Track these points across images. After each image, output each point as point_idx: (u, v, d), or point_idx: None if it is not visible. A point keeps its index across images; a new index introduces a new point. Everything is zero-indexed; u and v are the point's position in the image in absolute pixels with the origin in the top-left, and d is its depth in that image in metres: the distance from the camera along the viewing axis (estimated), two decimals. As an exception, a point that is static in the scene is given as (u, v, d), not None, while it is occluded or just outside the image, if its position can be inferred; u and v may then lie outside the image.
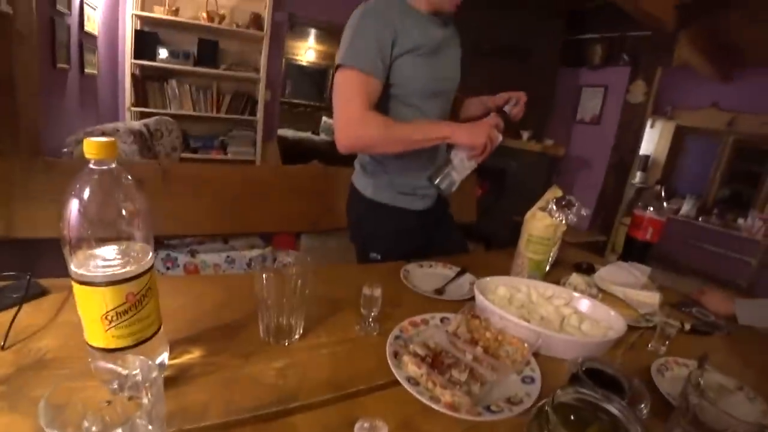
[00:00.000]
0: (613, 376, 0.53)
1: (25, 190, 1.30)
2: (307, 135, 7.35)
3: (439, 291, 0.89)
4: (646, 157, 4.82)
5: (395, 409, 0.53)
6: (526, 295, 0.84)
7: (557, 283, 0.93)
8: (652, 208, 1.28)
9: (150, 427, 0.35)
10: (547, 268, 1.01)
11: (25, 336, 0.58)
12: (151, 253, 0.51)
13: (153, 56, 3.12)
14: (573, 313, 0.79)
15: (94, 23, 2.59)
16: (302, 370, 0.59)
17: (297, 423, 0.49)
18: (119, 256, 0.48)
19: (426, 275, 0.99)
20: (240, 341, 0.64)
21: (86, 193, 0.44)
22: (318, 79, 8.02)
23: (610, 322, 0.77)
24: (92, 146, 0.44)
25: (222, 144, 3.61)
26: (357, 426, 0.41)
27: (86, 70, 2.51)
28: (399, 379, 0.56)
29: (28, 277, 0.65)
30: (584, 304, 0.83)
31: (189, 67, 3.23)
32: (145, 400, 0.36)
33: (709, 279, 4.24)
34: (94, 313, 0.47)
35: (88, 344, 0.49)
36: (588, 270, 1.12)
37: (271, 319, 0.63)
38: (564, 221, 0.96)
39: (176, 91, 3.32)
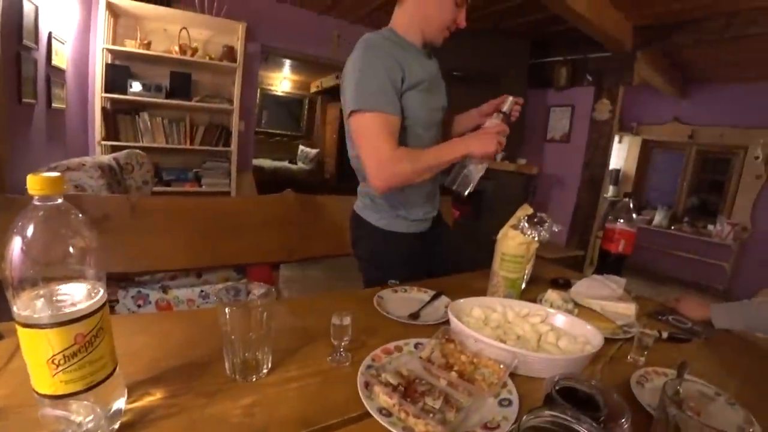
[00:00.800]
0: (588, 393, 0.52)
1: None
2: (283, 164, 7.38)
3: (414, 315, 0.87)
4: (617, 171, 5.00)
5: (368, 444, 0.50)
6: (501, 315, 0.83)
7: (534, 300, 0.93)
8: (622, 221, 1.30)
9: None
10: (523, 285, 1.01)
11: (-29, 386, 0.54)
12: (102, 291, 0.48)
13: (124, 89, 3.09)
14: (550, 330, 0.79)
15: (62, 57, 2.57)
16: (270, 407, 0.56)
17: (263, 466, 0.46)
18: (67, 296, 0.45)
19: (401, 300, 0.97)
20: (205, 380, 0.60)
21: (30, 231, 0.42)
22: (294, 108, 8.13)
23: (588, 336, 0.77)
24: (35, 182, 0.43)
25: (196, 176, 3.55)
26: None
27: (54, 105, 2.46)
28: (370, 411, 0.54)
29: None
30: (560, 320, 0.82)
31: (161, 100, 3.21)
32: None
33: (685, 285, 4.35)
34: (39, 358, 0.44)
35: (34, 391, 0.46)
36: (564, 285, 1.12)
37: (237, 354, 0.60)
38: (536, 238, 0.96)
39: (148, 123, 3.28)
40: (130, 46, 3.08)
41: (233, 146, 3.51)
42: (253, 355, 0.60)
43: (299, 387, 0.61)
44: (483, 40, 3.90)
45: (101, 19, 2.94)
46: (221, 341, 0.63)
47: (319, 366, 0.66)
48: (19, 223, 0.43)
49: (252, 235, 1.62)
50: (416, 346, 0.72)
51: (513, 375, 0.66)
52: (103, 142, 3.08)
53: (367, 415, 0.55)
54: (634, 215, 1.30)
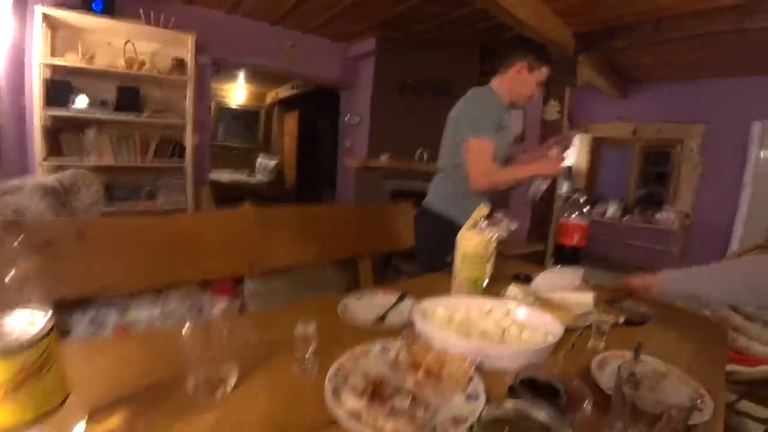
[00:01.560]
0: (548, 383, 0.54)
1: None
2: (242, 177, 7.21)
3: (380, 319, 0.88)
4: (569, 168, 5.22)
5: (339, 451, 0.50)
6: (465, 312, 0.85)
7: (497, 296, 0.95)
8: (575, 215, 1.36)
9: None
10: (485, 283, 1.04)
11: None
12: (47, 319, 0.46)
13: (66, 105, 2.92)
14: (512, 324, 0.81)
15: (-6, 75, 2.40)
16: (238, 422, 0.54)
17: (231, 486, 0.45)
18: (10, 325, 0.43)
19: (365, 306, 0.97)
20: (168, 400, 0.58)
21: None
22: (250, 120, 7.96)
23: (548, 327, 0.80)
24: None
25: (149, 194, 3.40)
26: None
27: (-14, 125, 2.29)
28: (339, 416, 0.54)
29: None
30: (522, 313, 0.85)
31: (108, 116, 3.06)
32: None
33: (639, 271, 4.59)
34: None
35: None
36: (526, 280, 1.16)
37: (200, 373, 0.58)
38: (494, 236, 0.99)
39: (95, 141, 3.11)
40: (72, 61, 2.92)
41: (188, 161, 3.39)
42: (216, 372, 0.59)
43: (266, 400, 0.60)
44: (433, 50, 4.01)
45: (37, 31, 2.77)
46: (183, 361, 0.61)
47: (285, 378, 0.65)
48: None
49: (212, 251, 1.56)
50: (383, 349, 0.72)
51: (480, 370, 0.68)
52: (45, 162, 2.89)
53: (337, 422, 0.54)
54: (585, 209, 1.37)
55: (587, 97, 4.80)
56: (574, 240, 1.36)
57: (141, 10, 3.15)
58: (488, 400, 0.59)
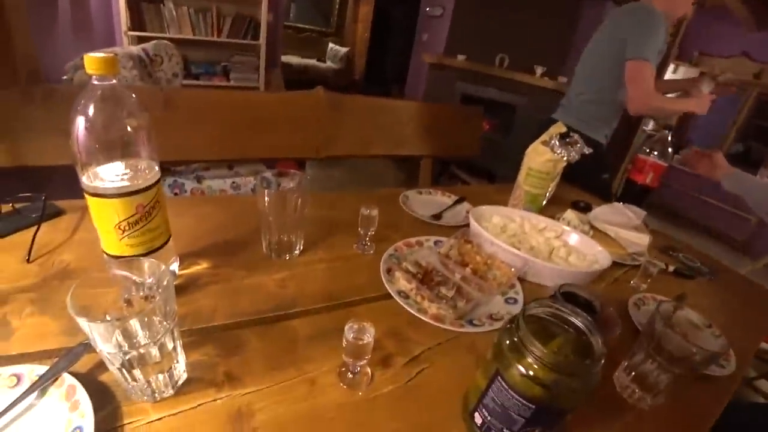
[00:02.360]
0: (587, 300, 0.56)
1: (29, 118, 1.29)
2: (312, 62, 7.06)
3: (437, 216, 0.92)
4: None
5: (385, 319, 0.57)
6: (519, 225, 0.87)
7: (553, 218, 0.95)
8: (656, 153, 1.27)
9: (164, 322, 0.39)
10: (544, 202, 1.03)
11: (47, 251, 0.62)
12: (156, 168, 0.53)
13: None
14: (562, 245, 0.82)
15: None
16: (301, 281, 0.63)
17: (295, 326, 0.54)
18: (127, 171, 0.49)
19: (424, 202, 1.01)
20: (244, 256, 0.68)
21: (91, 110, 0.45)
22: (324, 2, 7.53)
23: (597, 256, 0.80)
24: (93, 62, 0.44)
25: (224, 70, 3.49)
26: (347, 327, 0.44)
27: (78, -8, 2.36)
28: (390, 292, 0.61)
29: (43, 197, 0.67)
30: (574, 238, 0.86)
31: (186, -14, 3.04)
32: (158, 298, 0.39)
33: (703, 231, 4.28)
34: (108, 224, 0.50)
35: (104, 252, 0.53)
36: (585, 209, 1.14)
37: (273, 235, 0.66)
38: (565, 157, 0.96)
39: (174, 13, 3.15)
40: None
41: (261, 40, 3.37)
42: (287, 236, 0.67)
43: (327, 268, 0.68)
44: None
45: None
46: (255, 226, 0.70)
47: (345, 252, 0.73)
48: (81, 102, 0.45)
49: (280, 131, 1.63)
50: (436, 243, 0.77)
51: (521, 280, 0.72)
52: (129, 33, 3.00)
53: (386, 296, 0.62)
54: (669, 150, 1.26)
55: (710, 22, 4.03)
56: (647, 179, 1.28)
57: None
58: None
